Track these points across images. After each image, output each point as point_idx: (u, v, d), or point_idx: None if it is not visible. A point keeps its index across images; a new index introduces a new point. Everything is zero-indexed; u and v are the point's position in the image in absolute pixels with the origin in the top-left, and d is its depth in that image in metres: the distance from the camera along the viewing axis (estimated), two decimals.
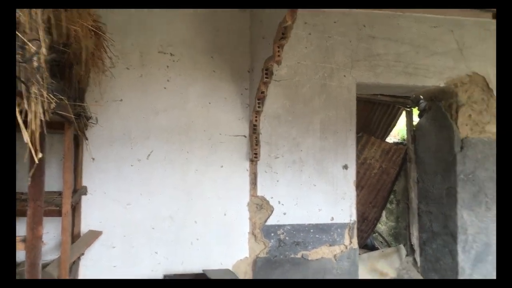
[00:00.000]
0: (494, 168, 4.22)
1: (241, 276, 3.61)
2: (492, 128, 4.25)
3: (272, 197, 3.76)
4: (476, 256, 4.16)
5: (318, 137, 3.87)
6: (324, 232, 3.84)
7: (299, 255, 3.79)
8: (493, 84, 4.26)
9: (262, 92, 3.46)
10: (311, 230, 3.82)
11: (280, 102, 3.80)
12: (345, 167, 3.94)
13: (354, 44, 3.97)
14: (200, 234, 3.62)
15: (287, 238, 3.77)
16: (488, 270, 4.17)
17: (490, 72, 4.26)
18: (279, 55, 3.14)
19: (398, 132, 6.60)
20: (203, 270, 3.38)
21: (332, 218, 3.89)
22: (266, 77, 3.35)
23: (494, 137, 4.24)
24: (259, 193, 3.74)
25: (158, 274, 3.50)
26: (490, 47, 4.26)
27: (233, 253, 3.69)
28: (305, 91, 3.85)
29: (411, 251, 4.70)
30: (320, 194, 3.86)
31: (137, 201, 3.52)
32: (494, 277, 4.17)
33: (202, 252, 3.61)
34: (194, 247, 3.61)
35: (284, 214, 3.78)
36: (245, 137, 3.75)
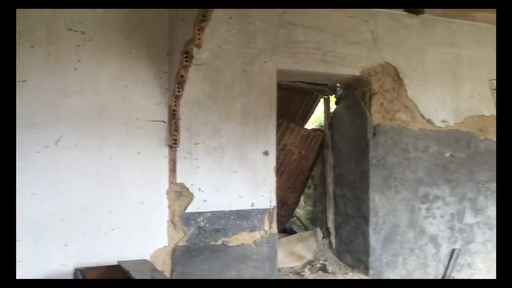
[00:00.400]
0: (403, 153, 4.49)
1: (159, 265, 3.50)
2: (401, 116, 4.51)
3: (192, 184, 3.68)
4: (386, 236, 4.42)
5: (239, 123, 3.84)
6: (244, 218, 3.85)
7: (219, 242, 3.76)
8: (403, 74, 4.51)
9: (182, 76, 3.34)
10: (232, 217, 3.81)
11: (200, 87, 3.70)
12: (266, 153, 3.95)
13: (275, 30, 3.97)
14: (115, 224, 3.44)
15: (207, 225, 3.72)
16: (396, 250, 4.46)
17: (400, 63, 4.50)
18: (199, 38, 3.04)
19: (316, 119, 6.80)
20: (118, 262, 3.21)
21: (253, 204, 3.90)
22: (186, 61, 3.24)
23: (404, 124, 4.50)
24: (178, 180, 3.64)
25: (68, 269, 3.27)
26: (401, 38, 4.50)
27: (151, 243, 3.56)
28: (226, 76, 3.79)
29: (327, 233, 4.88)
30: (240, 181, 3.84)
31: (44, 190, 3.24)
32: (402, 256, 4.48)
33: (117, 243, 3.44)
34: (109, 238, 3.42)
35: (205, 201, 3.71)
36: (164, 122, 3.61)
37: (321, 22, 4.14)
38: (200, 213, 3.69)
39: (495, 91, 4.99)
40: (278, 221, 4.92)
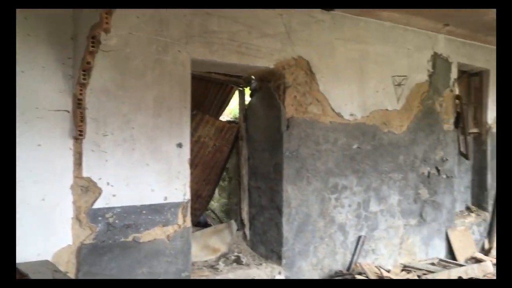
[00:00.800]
0: (314, 145, 4.63)
1: (63, 266, 3.26)
2: (313, 109, 4.64)
3: (100, 178, 3.45)
4: (298, 226, 4.54)
5: (151, 114, 3.68)
6: (157, 212, 3.71)
7: (130, 238, 3.59)
8: (315, 68, 4.63)
9: (88, 63, 3.11)
10: (144, 212, 3.65)
11: (109, 75, 3.47)
12: (179, 145, 3.84)
13: (189, 19, 3.86)
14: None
15: (117, 221, 3.52)
16: (307, 239, 4.60)
17: (313, 57, 4.62)
18: (107, 23, 2.85)
19: (231, 111, 6.78)
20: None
21: (166, 198, 3.77)
22: (93, 46, 3.01)
23: (315, 117, 4.64)
24: (84, 174, 3.40)
25: None
26: (314, 33, 4.61)
27: (54, 242, 3.29)
28: (137, 64, 3.60)
29: (241, 226, 4.90)
30: (153, 174, 3.69)
31: None
32: (313, 245, 4.63)
33: (16, 243, 3.13)
34: None
35: (114, 196, 3.51)
36: (68, 112, 3.34)
37: (235, 12, 4.09)
38: (109, 209, 3.49)
39: (397, 86, 5.33)
40: (192, 214, 4.83)
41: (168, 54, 3.76)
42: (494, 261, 5.69)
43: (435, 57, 5.75)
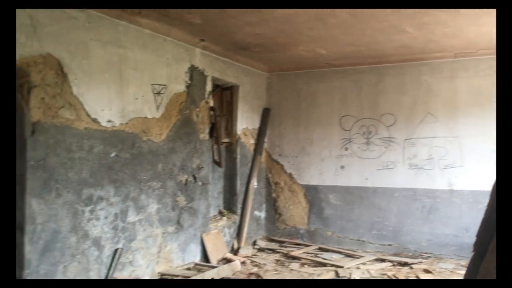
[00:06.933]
0: (66, 153, 4.20)
1: None
2: (65, 113, 4.21)
3: None
4: (45, 245, 4.02)
5: None
6: None
7: None
8: (68, 69, 4.22)
9: None
10: None
11: None
12: None
13: None
14: None
15: None
16: (56, 258, 4.11)
17: (65, 56, 4.19)
18: None
19: None
20: None
21: None
22: None
23: (68, 122, 4.21)
24: None
25: None
26: (65, 30, 4.20)
27: None
28: None
29: None
30: None
31: None
32: (63, 264, 4.16)
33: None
34: None
35: None
36: None
37: None
38: None
39: (157, 95, 5.34)
40: None
41: None
42: (242, 259, 6.28)
43: (192, 69, 6.02)
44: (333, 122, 7.51)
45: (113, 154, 4.74)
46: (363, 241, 7.15)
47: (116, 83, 4.79)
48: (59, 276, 4.14)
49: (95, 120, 4.52)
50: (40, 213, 3.97)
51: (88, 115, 4.44)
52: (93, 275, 4.50)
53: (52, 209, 4.08)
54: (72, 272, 4.28)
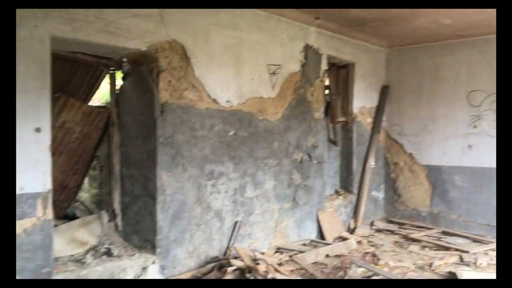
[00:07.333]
0: (190, 132, 4.56)
1: None
2: (189, 95, 4.55)
3: None
4: (173, 214, 4.44)
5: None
6: None
7: None
8: (191, 53, 4.54)
9: None
10: None
11: None
12: (38, 130, 3.48)
13: None
14: None
15: None
16: (183, 226, 4.53)
17: (188, 41, 4.52)
18: None
19: (103, 95, 6.38)
20: None
21: (22, 188, 3.40)
22: None
23: (191, 103, 4.56)
24: None
25: None
26: (188, 16, 4.50)
27: None
28: None
29: (113, 216, 4.64)
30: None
31: None
32: (189, 232, 4.57)
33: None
34: None
35: None
36: None
37: None
38: None
39: (272, 75, 5.48)
40: (57, 206, 4.48)
41: (24, 28, 3.37)
42: (358, 239, 6.22)
43: (307, 48, 6.04)
44: (459, 98, 6.95)
45: (231, 133, 5.02)
46: (493, 226, 6.55)
47: (233, 65, 5.03)
48: (186, 243, 4.55)
49: (215, 101, 4.82)
50: (169, 185, 4.39)
51: (209, 96, 4.75)
52: (215, 245, 4.86)
53: (179, 181, 4.49)
54: (198, 240, 4.68)
